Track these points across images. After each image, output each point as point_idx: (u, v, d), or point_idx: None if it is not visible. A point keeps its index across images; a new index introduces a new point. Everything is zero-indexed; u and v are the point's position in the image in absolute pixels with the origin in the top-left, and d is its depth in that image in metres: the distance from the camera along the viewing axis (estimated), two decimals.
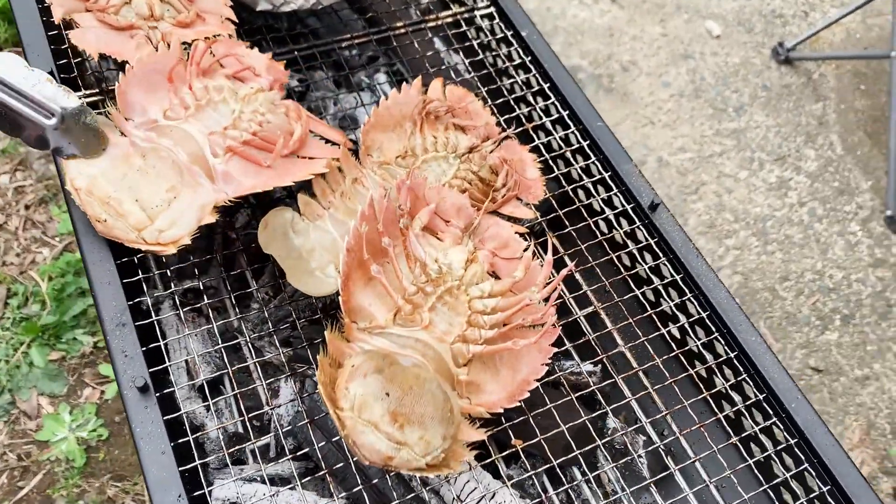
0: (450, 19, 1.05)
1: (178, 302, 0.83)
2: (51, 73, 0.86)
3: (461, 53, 1.07)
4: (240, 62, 0.90)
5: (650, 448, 0.82)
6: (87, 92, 0.89)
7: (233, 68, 0.89)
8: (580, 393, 0.82)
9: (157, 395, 0.71)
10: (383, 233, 0.77)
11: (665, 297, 0.89)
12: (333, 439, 0.79)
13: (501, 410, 0.73)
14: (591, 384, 0.84)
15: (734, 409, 0.82)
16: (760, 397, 0.80)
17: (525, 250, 0.84)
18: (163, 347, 0.75)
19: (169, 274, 0.83)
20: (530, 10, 2.56)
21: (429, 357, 0.73)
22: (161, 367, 0.74)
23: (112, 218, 0.78)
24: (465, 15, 1.06)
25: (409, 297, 0.75)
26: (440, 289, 0.77)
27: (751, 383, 0.81)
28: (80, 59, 0.93)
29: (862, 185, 2.31)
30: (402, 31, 1.02)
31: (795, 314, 2.09)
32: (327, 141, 0.90)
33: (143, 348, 0.73)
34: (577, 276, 0.91)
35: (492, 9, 1.06)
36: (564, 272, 0.79)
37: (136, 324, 0.74)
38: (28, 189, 2.07)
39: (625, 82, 2.46)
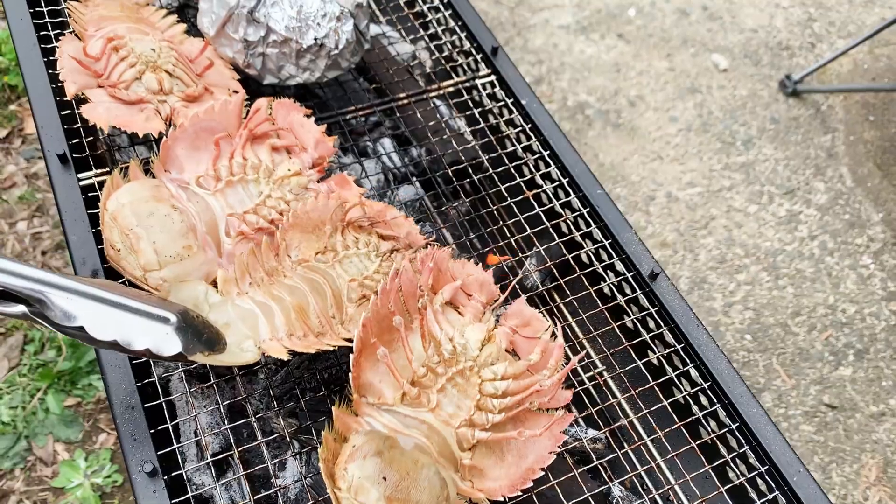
0: (451, 88, 1.07)
1: (185, 379, 0.84)
2: (63, 154, 0.89)
3: (464, 120, 1.09)
4: (293, 132, 0.93)
5: None
6: (99, 171, 0.91)
7: (282, 141, 0.93)
8: (587, 467, 0.83)
9: (165, 477, 0.73)
10: (395, 311, 0.79)
11: (668, 365, 0.90)
12: None
13: (501, 499, 0.74)
14: (593, 454, 0.84)
15: (739, 482, 0.82)
16: (762, 469, 0.80)
17: (546, 332, 0.84)
18: (170, 428, 0.77)
19: None
20: (537, 47, 2.59)
21: (433, 439, 0.74)
22: (170, 448, 0.76)
23: (126, 250, 0.81)
24: (467, 83, 1.08)
25: (418, 378, 0.76)
26: (452, 370, 0.78)
27: (753, 455, 0.81)
28: (91, 138, 0.96)
29: (873, 217, 2.30)
30: (405, 101, 1.05)
31: (808, 350, 2.08)
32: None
33: (152, 430, 0.75)
34: (586, 343, 0.92)
35: (492, 77, 1.08)
36: (574, 361, 0.79)
37: (145, 406, 0.76)
38: (45, 235, 2.11)
39: (632, 117, 2.47)
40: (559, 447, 0.76)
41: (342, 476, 0.69)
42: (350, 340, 0.78)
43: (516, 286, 0.95)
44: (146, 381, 0.80)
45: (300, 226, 0.85)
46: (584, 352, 0.81)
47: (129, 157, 0.97)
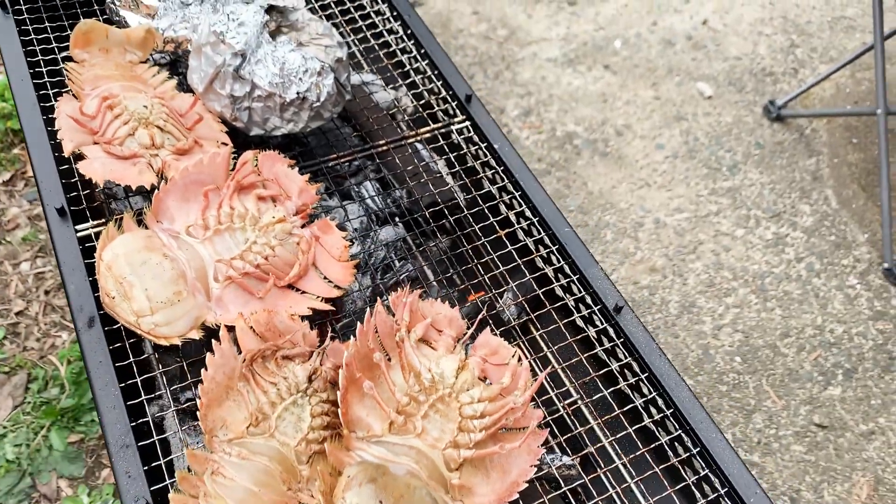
0: (429, 134, 1.14)
1: (177, 418, 0.90)
2: (61, 208, 0.95)
3: (442, 163, 1.15)
4: (277, 183, 0.98)
5: None
6: (95, 222, 0.97)
7: (268, 191, 0.98)
8: (558, 492, 0.87)
9: None
10: (375, 348, 0.84)
11: (636, 392, 0.95)
12: None
13: None
14: (564, 481, 0.89)
15: (703, 503, 0.87)
16: (723, 492, 0.85)
17: (513, 357, 0.91)
18: (163, 465, 0.82)
19: (170, 392, 0.90)
20: (526, 80, 2.66)
21: (422, 464, 0.79)
22: (163, 484, 0.81)
23: (119, 297, 0.86)
24: (443, 129, 1.14)
25: (403, 407, 0.82)
26: (432, 397, 0.83)
27: (714, 478, 0.85)
28: (88, 190, 1.02)
29: (858, 238, 2.34)
30: (386, 146, 1.11)
31: (797, 370, 2.11)
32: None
33: (146, 468, 0.80)
34: (559, 372, 0.97)
35: (467, 122, 1.14)
36: (541, 377, 0.85)
37: (139, 444, 0.81)
38: (48, 275, 2.17)
39: (620, 146, 2.53)
40: (538, 461, 0.81)
41: None
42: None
43: (491, 320, 1.00)
44: (141, 420, 0.85)
45: (215, 400, 0.80)
46: (550, 366, 0.87)
47: (124, 208, 1.03)
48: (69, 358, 1.97)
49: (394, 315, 0.91)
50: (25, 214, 2.29)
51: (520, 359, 0.90)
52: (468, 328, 0.94)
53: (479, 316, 0.96)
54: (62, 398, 1.91)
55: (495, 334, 0.96)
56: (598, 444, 0.92)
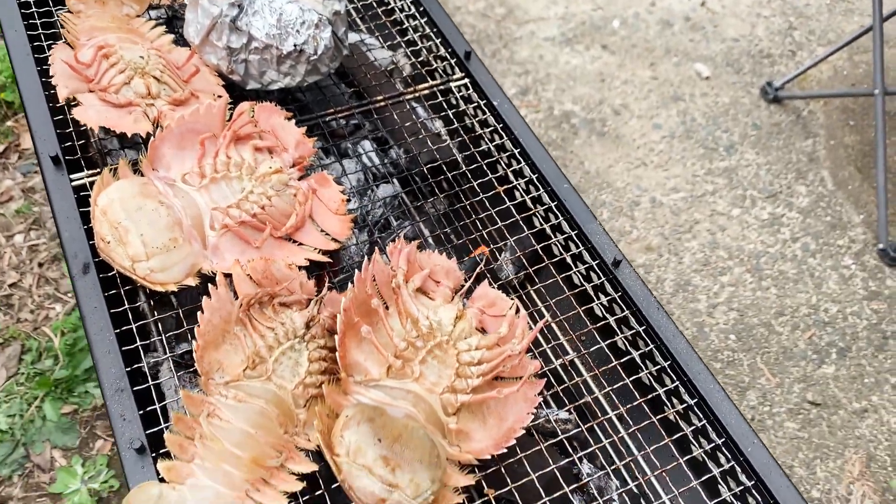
0: (427, 91, 1.13)
1: (173, 367, 0.89)
2: (55, 156, 0.94)
3: (440, 121, 1.14)
4: (274, 134, 0.97)
5: (622, 490, 0.87)
6: (90, 172, 0.96)
7: (264, 142, 0.97)
8: (554, 440, 0.87)
9: (153, 455, 0.77)
10: (372, 295, 0.84)
11: (632, 346, 0.94)
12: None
13: (489, 457, 0.79)
14: (561, 432, 0.89)
15: (698, 453, 0.87)
16: (719, 442, 0.84)
17: (510, 308, 0.91)
18: (158, 410, 0.82)
19: (165, 340, 0.90)
20: (524, 58, 2.65)
21: (420, 407, 0.79)
22: (158, 428, 0.80)
23: (115, 242, 0.85)
24: (442, 87, 1.13)
25: (400, 352, 0.82)
26: (430, 343, 0.83)
27: (711, 430, 0.85)
28: (83, 141, 1.01)
29: (854, 218, 2.35)
30: (383, 103, 1.10)
31: (792, 349, 2.12)
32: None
33: (141, 411, 0.79)
34: (554, 326, 0.96)
35: (466, 80, 1.13)
36: (540, 324, 0.85)
37: (134, 389, 0.80)
38: (41, 247, 2.16)
39: (617, 125, 2.53)
40: (534, 409, 0.81)
41: (339, 443, 0.74)
42: (319, 447, 0.77)
43: (489, 276, 1.00)
44: (135, 366, 0.84)
45: (211, 342, 0.80)
46: (548, 316, 0.87)
47: (118, 160, 1.02)
48: (63, 329, 1.96)
49: (391, 264, 0.91)
50: (19, 187, 2.27)
51: (517, 309, 0.90)
52: (466, 281, 0.94)
53: (477, 270, 0.95)
54: (56, 369, 1.90)
55: (493, 288, 0.96)
56: (593, 396, 0.92)
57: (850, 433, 1.98)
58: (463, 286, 0.94)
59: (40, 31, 1.10)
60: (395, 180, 1.12)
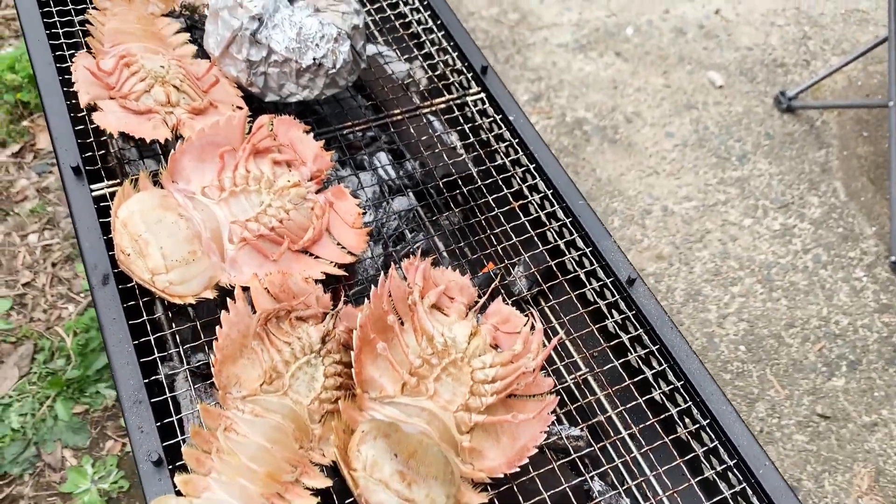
0: (443, 105, 1.13)
1: (189, 378, 0.90)
2: (76, 167, 0.95)
3: (456, 135, 1.15)
4: (293, 148, 0.98)
5: None
6: (110, 182, 0.97)
7: (283, 155, 0.98)
8: (566, 459, 0.88)
9: (170, 467, 0.78)
10: (389, 311, 0.85)
11: (645, 365, 0.95)
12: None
13: (502, 476, 0.79)
14: (573, 450, 0.89)
15: (709, 474, 0.87)
16: (731, 463, 0.85)
17: (525, 325, 0.91)
18: (175, 422, 0.83)
19: (182, 351, 0.91)
20: (537, 64, 2.66)
21: (434, 425, 0.79)
22: (175, 440, 0.81)
23: (135, 254, 0.86)
24: (458, 101, 1.14)
25: (415, 369, 0.82)
26: (445, 360, 0.84)
27: (723, 450, 0.86)
28: (102, 151, 1.02)
29: (866, 230, 2.34)
30: (400, 117, 1.11)
31: (802, 361, 2.11)
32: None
33: (158, 423, 0.80)
34: (568, 343, 0.97)
35: (482, 94, 1.14)
36: (554, 341, 0.86)
37: (152, 400, 0.81)
38: (55, 247, 2.17)
39: (629, 133, 2.53)
40: (547, 428, 0.81)
41: (356, 457, 0.75)
42: (334, 462, 0.78)
43: (504, 291, 1.00)
44: (153, 378, 0.85)
45: (229, 357, 0.81)
46: (562, 333, 0.87)
47: (138, 170, 1.03)
48: (75, 329, 1.97)
49: (407, 280, 0.91)
50: (34, 186, 2.29)
51: (532, 325, 0.91)
52: (479, 297, 0.95)
53: (492, 286, 0.96)
54: (68, 369, 1.92)
55: (507, 304, 0.96)
56: (606, 415, 0.92)
57: (859, 447, 1.97)
58: (477, 302, 0.95)
59: (62, 39, 1.11)
60: (410, 193, 1.12)
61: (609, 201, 2.36)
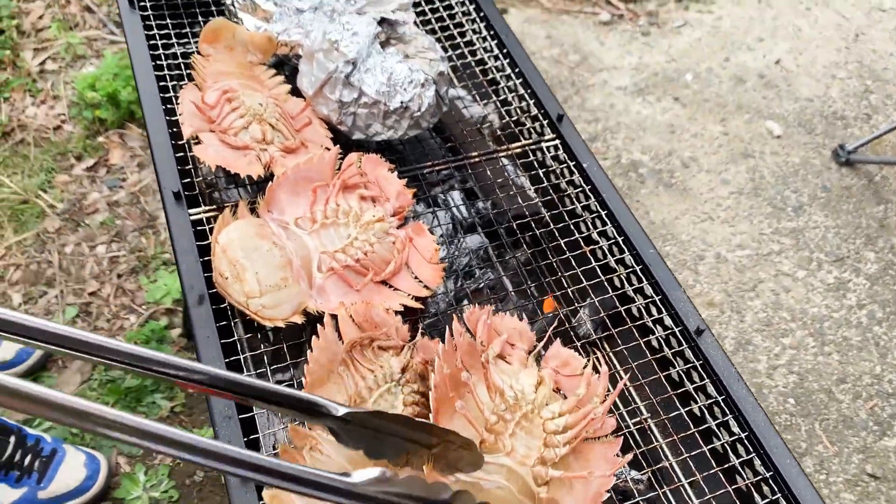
0: (519, 149, 1.18)
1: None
2: (177, 192, 1.02)
3: (527, 178, 1.20)
4: (378, 184, 1.04)
5: None
6: (206, 208, 1.04)
7: (369, 192, 1.04)
8: (629, 503, 0.90)
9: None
10: (461, 368, 0.87)
11: (709, 414, 0.97)
12: None
13: None
14: (637, 493, 0.92)
15: None
16: None
17: (584, 367, 0.94)
18: (260, 439, 0.88)
19: (269, 372, 0.96)
20: (595, 106, 2.70)
21: (512, 480, 0.81)
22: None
23: (232, 278, 0.92)
24: (533, 146, 1.18)
25: (491, 426, 0.84)
26: (517, 414, 0.85)
27: (784, 503, 0.87)
28: (200, 178, 1.09)
29: None
30: (477, 159, 1.16)
31: (852, 418, 2.09)
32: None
33: (246, 439, 0.85)
34: (632, 389, 0.99)
35: (556, 141, 1.18)
36: (620, 385, 0.88)
37: (240, 417, 0.86)
38: (122, 259, 2.26)
39: (685, 178, 2.55)
40: (617, 471, 0.83)
41: None
42: None
43: (566, 335, 1.03)
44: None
45: (318, 381, 0.85)
46: (626, 378, 0.89)
47: (225, 197, 1.09)
48: (136, 340, 2.05)
49: (469, 331, 0.94)
50: (105, 200, 2.39)
51: (596, 368, 0.93)
52: (539, 340, 0.97)
53: (551, 329, 0.99)
54: (126, 378, 1.98)
55: (568, 346, 0.99)
56: (666, 463, 0.94)
57: None
58: (536, 347, 0.97)
59: (165, 71, 1.19)
60: (481, 232, 1.17)
61: (662, 244, 2.38)
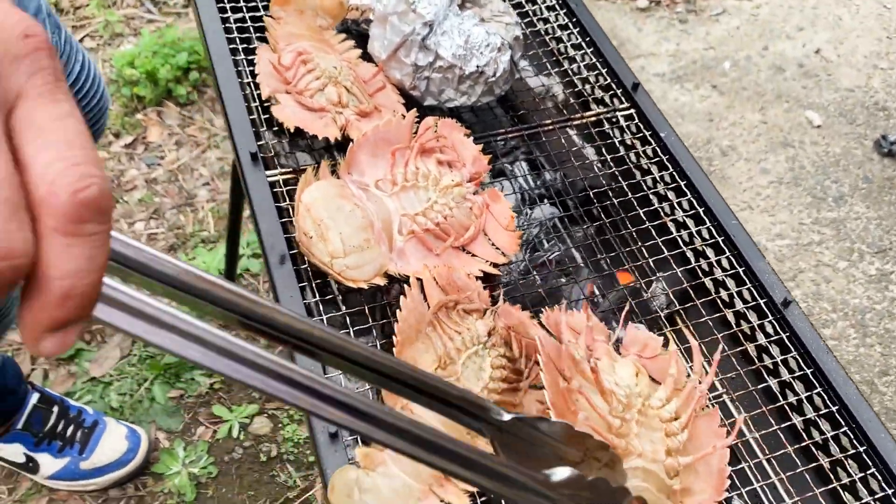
0: (593, 118, 1.16)
1: None
2: (254, 153, 1.00)
3: (597, 149, 1.18)
4: (454, 150, 1.02)
5: None
6: (282, 170, 1.02)
7: (446, 156, 1.02)
8: None
9: (344, 442, 0.82)
10: (570, 377, 0.82)
11: (791, 389, 0.95)
12: None
13: None
14: None
15: (868, 500, 0.86)
16: (889, 492, 0.84)
17: (669, 347, 0.91)
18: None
19: (353, 333, 0.94)
20: None
21: (650, 480, 0.79)
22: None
23: (317, 237, 0.91)
24: (608, 115, 1.16)
25: (617, 430, 0.80)
26: (633, 412, 0.82)
27: (879, 478, 0.85)
28: (275, 140, 1.08)
29: None
30: (550, 127, 1.14)
31: (895, 410, 2.07)
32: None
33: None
34: (707, 364, 0.97)
35: (632, 110, 1.16)
36: (717, 358, 0.86)
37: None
38: (160, 237, 2.26)
39: (723, 166, 2.52)
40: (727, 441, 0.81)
41: None
42: None
43: (638, 309, 1.01)
44: None
45: (408, 341, 0.84)
46: (720, 347, 0.87)
47: (291, 161, 1.08)
48: None
49: (550, 333, 0.89)
50: (143, 177, 2.38)
51: (676, 345, 0.91)
52: (616, 316, 0.94)
53: (627, 306, 0.96)
54: (166, 355, 1.98)
55: (639, 324, 0.96)
56: (750, 437, 0.92)
57: None
58: (610, 335, 0.94)
59: (235, 34, 1.18)
60: (549, 203, 1.15)
61: None
